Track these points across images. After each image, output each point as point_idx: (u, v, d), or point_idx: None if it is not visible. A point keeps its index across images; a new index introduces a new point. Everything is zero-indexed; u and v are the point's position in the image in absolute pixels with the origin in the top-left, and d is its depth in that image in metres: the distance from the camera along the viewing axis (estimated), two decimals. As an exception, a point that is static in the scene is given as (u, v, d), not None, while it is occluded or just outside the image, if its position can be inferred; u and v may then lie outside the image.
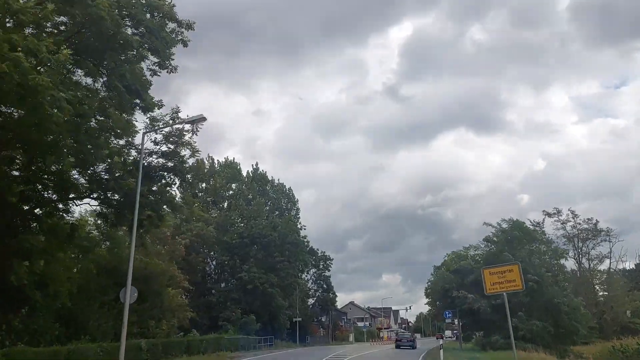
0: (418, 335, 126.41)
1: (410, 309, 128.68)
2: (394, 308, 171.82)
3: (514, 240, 37.27)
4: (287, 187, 68.90)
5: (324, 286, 76.15)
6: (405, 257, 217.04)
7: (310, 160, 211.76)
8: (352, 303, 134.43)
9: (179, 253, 41.10)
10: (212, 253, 54.31)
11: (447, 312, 41.52)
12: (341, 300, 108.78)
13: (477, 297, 36.46)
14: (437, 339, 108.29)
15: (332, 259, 77.61)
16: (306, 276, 76.53)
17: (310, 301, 77.04)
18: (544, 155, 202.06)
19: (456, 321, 42.31)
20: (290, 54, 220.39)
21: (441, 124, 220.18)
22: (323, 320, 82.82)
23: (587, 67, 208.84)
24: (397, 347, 48.06)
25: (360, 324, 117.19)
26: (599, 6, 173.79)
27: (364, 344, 74.46)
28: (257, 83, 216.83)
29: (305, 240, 59.62)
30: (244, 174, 64.75)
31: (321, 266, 76.76)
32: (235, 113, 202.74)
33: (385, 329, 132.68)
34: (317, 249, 77.67)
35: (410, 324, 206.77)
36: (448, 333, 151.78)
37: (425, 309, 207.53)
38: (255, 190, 63.13)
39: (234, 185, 62.36)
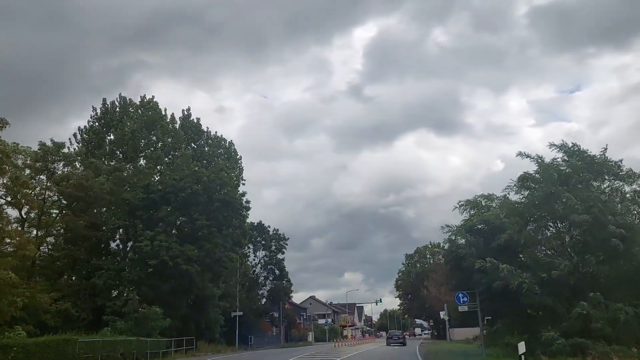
0: (383, 333, 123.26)
1: (380, 301, 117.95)
2: (358, 304, 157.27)
3: (573, 175, 22.74)
4: (227, 141, 52.74)
5: (276, 272, 60.13)
6: (367, 256, 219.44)
7: (273, 158, 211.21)
8: (312, 298, 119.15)
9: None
10: (110, 218, 37.61)
11: (461, 295, 26.13)
12: (302, 297, 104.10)
13: (515, 270, 21.62)
14: (408, 336, 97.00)
15: (287, 239, 61.90)
16: (254, 260, 60.46)
17: (264, 292, 61.18)
18: (502, 156, 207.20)
19: (477, 311, 26.65)
20: (255, 52, 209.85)
21: (403, 124, 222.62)
22: (276, 315, 66.72)
23: (544, 72, 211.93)
24: (388, 344, 53.94)
25: (321, 321, 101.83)
26: (556, 13, 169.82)
27: (326, 345, 58.84)
28: (220, 80, 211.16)
29: (245, 202, 43.24)
30: (169, 120, 48.14)
31: (273, 247, 60.87)
32: (197, 110, 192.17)
33: (349, 326, 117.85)
34: (269, 226, 61.94)
35: (374, 322, 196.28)
36: (417, 331, 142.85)
37: (389, 305, 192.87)
38: (182, 138, 46.64)
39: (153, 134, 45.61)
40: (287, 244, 61.15)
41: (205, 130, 51.53)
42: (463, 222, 26.41)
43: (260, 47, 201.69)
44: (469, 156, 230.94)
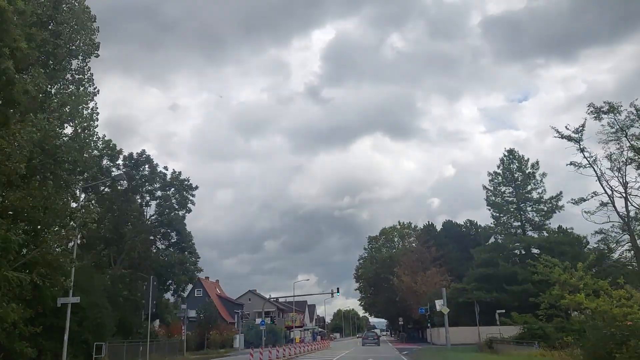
0: (337, 335, 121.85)
1: (338, 292, 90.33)
2: (311, 302, 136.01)
3: None
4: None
5: (172, 237, 37.60)
6: (321, 258, 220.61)
7: (228, 159, 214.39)
8: (252, 292, 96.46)
9: None
10: None
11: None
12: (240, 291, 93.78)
13: None
14: (362, 340, 75.06)
15: (196, 188, 39.44)
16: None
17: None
18: (453, 162, 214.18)
19: None
20: (211, 50, 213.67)
21: (360, 128, 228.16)
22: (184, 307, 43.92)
23: (495, 80, 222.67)
24: (364, 344, 61.04)
25: (258, 320, 79.75)
26: (508, 24, 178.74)
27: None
28: (175, 78, 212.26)
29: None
30: None
31: (173, 200, 38.36)
32: (150, 107, 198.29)
33: (298, 327, 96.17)
34: (165, 167, 39.30)
35: (327, 323, 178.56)
36: (370, 333, 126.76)
37: (344, 306, 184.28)
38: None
39: None
40: (194, 196, 38.69)
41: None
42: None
43: (216, 46, 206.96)
44: (423, 160, 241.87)
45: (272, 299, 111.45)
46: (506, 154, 54.51)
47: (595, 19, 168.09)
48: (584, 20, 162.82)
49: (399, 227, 78.70)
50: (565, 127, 37.12)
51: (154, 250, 35.81)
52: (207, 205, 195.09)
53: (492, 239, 56.70)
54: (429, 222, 68.53)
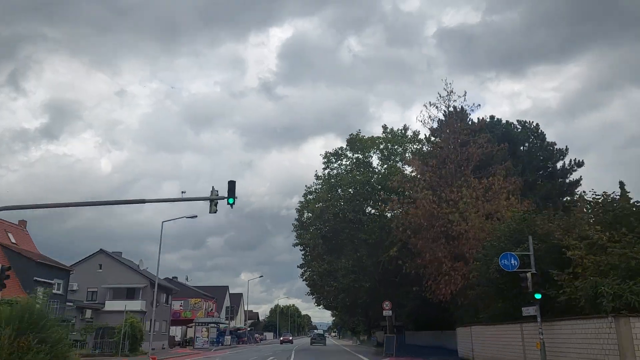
0: (268, 335, 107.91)
1: (231, 200, 21.82)
2: (233, 291, 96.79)
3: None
4: None
5: None
6: (266, 257, 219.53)
7: (177, 150, 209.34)
8: (169, 279, 56.51)
9: None
10: None
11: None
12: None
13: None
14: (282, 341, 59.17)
15: None
16: None
17: None
18: None
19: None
20: (165, 39, 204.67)
21: (313, 128, 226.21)
22: None
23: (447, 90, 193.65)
24: (312, 343, 64.88)
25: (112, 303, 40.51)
26: (462, 36, 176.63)
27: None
28: (125, 64, 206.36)
29: None
30: None
31: None
32: (96, 93, 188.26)
33: (202, 322, 56.97)
34: None
35: (261, 320, 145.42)
36: (319, 332, 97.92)
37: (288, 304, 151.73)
38: None
39: None
40: None
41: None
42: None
43: (171, 36, 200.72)
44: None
45: (170, 278, 72.37)
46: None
47: (546, 38, 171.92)
48: (535, 39, 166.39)
49: (383, 137, 41.13)
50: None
51: None
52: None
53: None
54: (455, 107, 30.98)
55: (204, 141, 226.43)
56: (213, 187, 18.41)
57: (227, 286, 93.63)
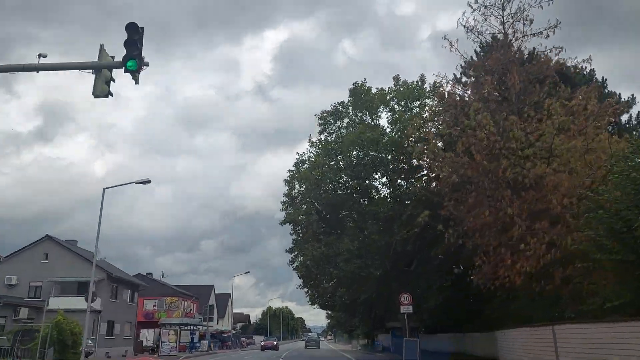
0: (257, 338, 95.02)
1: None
2: (219, 291, 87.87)
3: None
4: None
5: None
6: (260, 261, 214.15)
7: (171, 154, 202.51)
8: (143, 274, 46.79)
9: None
10: None
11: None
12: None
13: None
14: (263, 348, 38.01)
15: None
16: None
17: None
18: None
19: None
20: (160, 42, 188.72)
21: (308, 131, 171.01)
22: None
23: None
24: (306, 347, 65.88)
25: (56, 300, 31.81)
26: (455, 41, 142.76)
27: None
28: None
29: None
30: None
31: None
32: (89, 95, 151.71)
33: (164, 325, 48.36)
34: None
35: (252, 323, 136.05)
36: (313, 335, 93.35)
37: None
38: None
39: None
40: None
41: None
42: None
43: (166, 38, 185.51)
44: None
45: (143, 274, 63.99)
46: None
47: (538, 42, 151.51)
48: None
49: (394, 89, 32.67)
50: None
51: None
52: (144, 200, 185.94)
53: None
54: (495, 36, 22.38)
55: (199, 144, 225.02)
56: (102, 45, 10.10)
57: (213, 285, 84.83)
